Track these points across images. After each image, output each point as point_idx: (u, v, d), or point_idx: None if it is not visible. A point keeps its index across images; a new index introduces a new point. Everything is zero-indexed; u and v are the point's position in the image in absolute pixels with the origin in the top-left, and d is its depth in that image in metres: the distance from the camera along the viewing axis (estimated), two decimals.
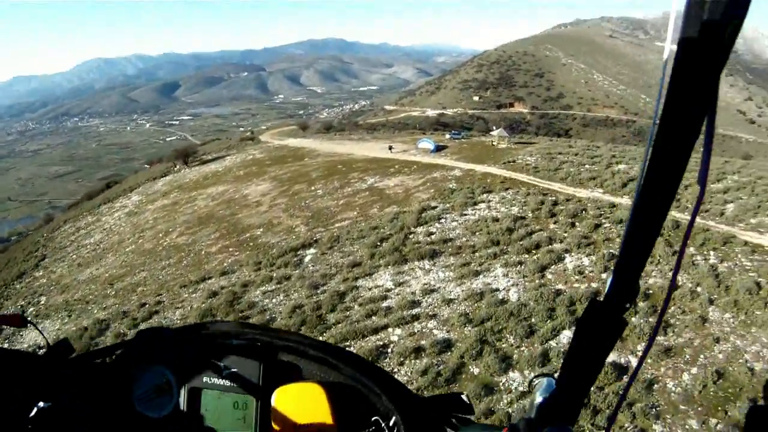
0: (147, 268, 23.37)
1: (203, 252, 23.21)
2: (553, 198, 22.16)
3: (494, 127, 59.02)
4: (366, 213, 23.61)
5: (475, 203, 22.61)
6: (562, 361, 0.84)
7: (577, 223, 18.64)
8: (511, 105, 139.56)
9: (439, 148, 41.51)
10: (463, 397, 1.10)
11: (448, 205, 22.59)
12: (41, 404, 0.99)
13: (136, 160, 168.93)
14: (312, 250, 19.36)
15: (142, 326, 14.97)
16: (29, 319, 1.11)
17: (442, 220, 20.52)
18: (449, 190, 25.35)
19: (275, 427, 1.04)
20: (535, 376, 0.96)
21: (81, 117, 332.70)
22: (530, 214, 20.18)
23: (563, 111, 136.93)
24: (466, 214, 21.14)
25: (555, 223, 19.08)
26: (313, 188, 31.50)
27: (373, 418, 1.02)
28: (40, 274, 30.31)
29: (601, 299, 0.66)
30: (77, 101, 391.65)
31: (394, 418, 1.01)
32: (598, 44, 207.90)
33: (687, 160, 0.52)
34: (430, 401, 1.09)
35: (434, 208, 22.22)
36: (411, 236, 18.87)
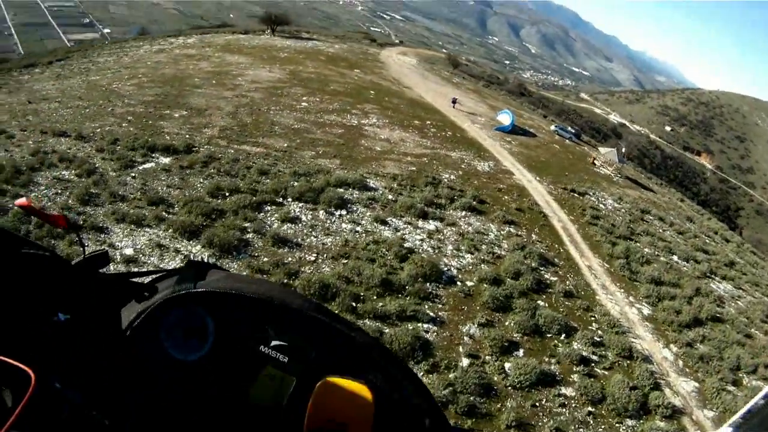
0: None
1: None
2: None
3: (621, 148, 46.36)
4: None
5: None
6: None
7: None
8: (698, 154, 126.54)
9: (517, 132, 32.32)
10: None
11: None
12: (60, 316, 0.94)
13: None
14: None
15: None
16: (73, 221, 1.15)
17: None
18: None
19: (308, 413, 1.00)
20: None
21: None
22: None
23: (745, 187, 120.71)
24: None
25: None
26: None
27: None
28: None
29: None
30: None
31: None
32: None
33: None
34: None
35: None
36: None
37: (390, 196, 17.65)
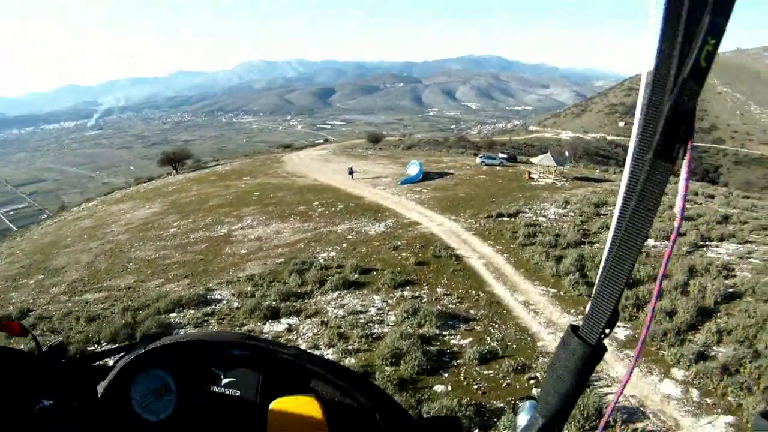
0: None
1: None
2: None
3: (563, 151, 42.28)
4: None
5: None
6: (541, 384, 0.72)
7: None
8: None
9: (432, 177, 28.26)
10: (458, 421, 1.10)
11: None
12: (44, 402, 1.02)
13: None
14: None
15: None
16: (26, 327, 1.13)
17: None
18: None
19: None
20: (519, 399, 0.97)
21: (236, 113, 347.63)
22: None
23: (714, 145, 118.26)
24: None
25: None
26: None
27: None
28: None
29: (580, 325, 0.66)
30: (234, 98, 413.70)
31: None
32: (758, 73, 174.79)
33: (664, 187, 0.50)
34: (425, 423, 1.08)
35: None
36: None
37: (236, 304, 12.87)
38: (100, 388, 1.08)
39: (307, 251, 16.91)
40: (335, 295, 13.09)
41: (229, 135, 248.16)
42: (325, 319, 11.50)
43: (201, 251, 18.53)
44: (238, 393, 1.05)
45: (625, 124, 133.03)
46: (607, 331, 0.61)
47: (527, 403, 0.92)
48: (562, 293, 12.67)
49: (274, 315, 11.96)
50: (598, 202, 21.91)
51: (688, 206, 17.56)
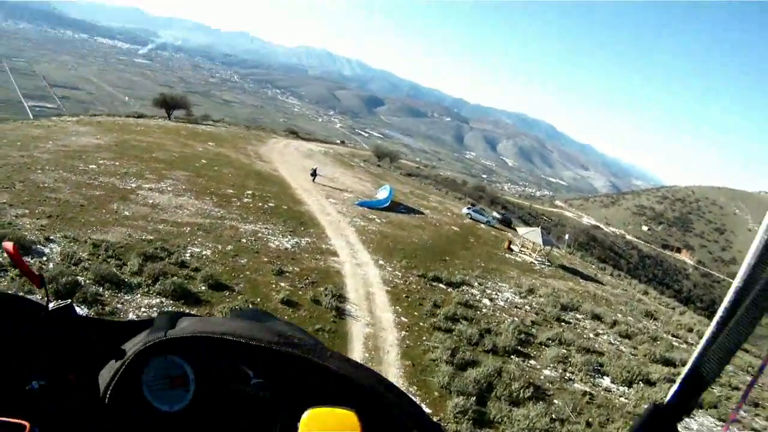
0: None
1: None
2: None
3: (564, 234, 37.79)
4: None
5: None
6: None
7: None
8: (678, 251, 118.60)
9: (398, 209, 24.41)
10: None
11: None
12: (35, 383, 0.93)
13: None
14: None
15: None
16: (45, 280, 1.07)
17: None
18: None
19: None
20: None
21: (283, 91, 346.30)
22: None
23: (729, 279, 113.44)
24: None
25: None
26: None
27: None
28: None
29: (663, 405, 0.65)
30: (287, 77, 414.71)
31: None
32: None
33: None
34: None
35: None
36: None
37: (50, 265, 9.11)
38: (107, 372, 0.98)
39: (184, 238, 13.02)
40: (156, 302, 9.27)
41: (269, 110, 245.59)
42: None
43: (89, 197, 14.60)
44: (268, 396, 0.98)
45: (648, 229, 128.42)
46: (686, 416, 0.59)
47: None
48: (435, 418, 8.56)
49: (69, 295, 8.49)
50: (568, 303, 17.81)
51: None
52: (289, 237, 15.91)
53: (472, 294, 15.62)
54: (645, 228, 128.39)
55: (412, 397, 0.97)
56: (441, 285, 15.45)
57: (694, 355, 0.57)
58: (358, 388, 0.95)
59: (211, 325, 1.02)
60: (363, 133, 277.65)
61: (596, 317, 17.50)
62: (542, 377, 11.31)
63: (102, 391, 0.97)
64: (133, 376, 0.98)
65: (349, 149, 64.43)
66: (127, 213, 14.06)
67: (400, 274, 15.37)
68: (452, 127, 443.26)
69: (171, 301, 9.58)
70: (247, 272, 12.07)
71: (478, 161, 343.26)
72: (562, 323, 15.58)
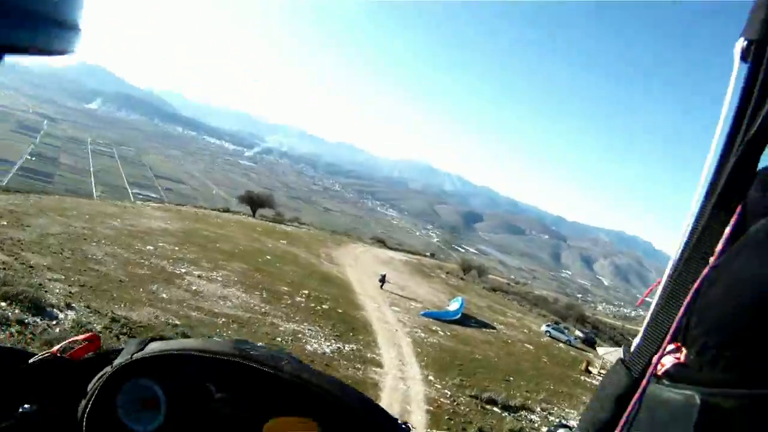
0: None
1: None
2: None
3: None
4: None
5: None
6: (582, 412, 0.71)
7: None
8: None
9: (467, 323, 23.72)
10: None
11: None
12: (26, 407, 0.98)
13: None
14: None
15: None
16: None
17: None
18: None
19: None
20: (554, 426, 0.94)
21: (383, 203, 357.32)
22: None
23: None
24: None
25: None
26: None
27: None
28: None
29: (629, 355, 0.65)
30: (388, 189, 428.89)
31: None
32: None
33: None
34: None
35: None
36: None
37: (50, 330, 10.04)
38: (85, 399, 1.03)
39: (213, 329, 13.37)
40: None
41: (368, 220, 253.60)
42: None
43: (132, 275, 15.70)
44: (231, 411, 0.99)
45: None
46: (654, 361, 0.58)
47: (561, 431, 0.89)
48: None
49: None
50: None
51: None
52: (333, 341, 15.59)
53: (530, 421, 14.06)
54: None
55: (382, 406, 1.00)
56: (495, 408, 14.11)
57: (658, 296, 0.58)
58: (319, 396, 0.96)
59: (173, 343, 1.06)
60: (460, 248, 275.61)
61: None
62: None
63: (79, 416, 1.02)
64: (107, 399, 1.02)
65: (435, 261, 64.24)
66: (164, 295, 14.53)
67: (449, 392, 14.32)
68: (550, 244, 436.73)
69: None
70: None
71: (573, 280, 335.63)
72: None
